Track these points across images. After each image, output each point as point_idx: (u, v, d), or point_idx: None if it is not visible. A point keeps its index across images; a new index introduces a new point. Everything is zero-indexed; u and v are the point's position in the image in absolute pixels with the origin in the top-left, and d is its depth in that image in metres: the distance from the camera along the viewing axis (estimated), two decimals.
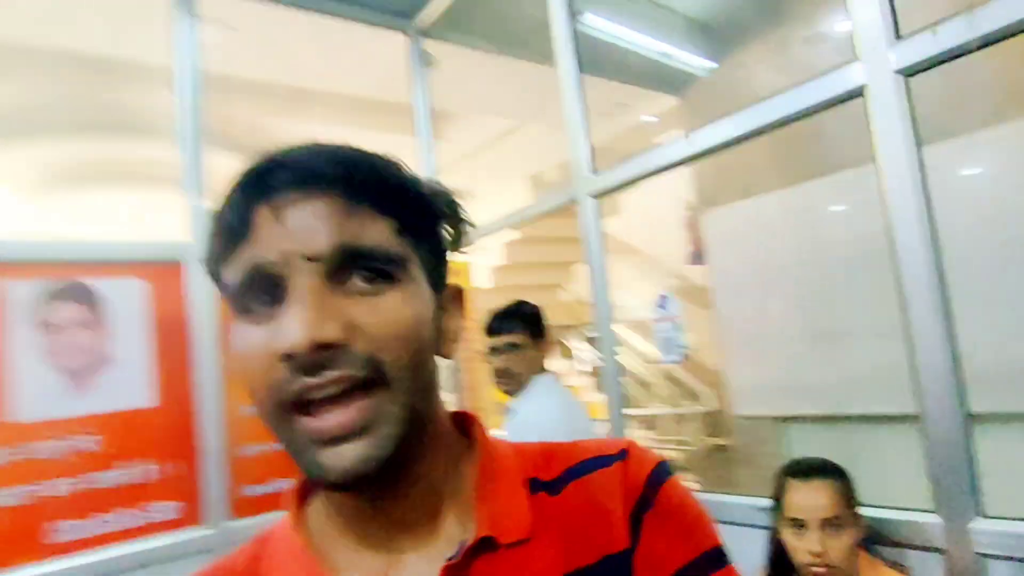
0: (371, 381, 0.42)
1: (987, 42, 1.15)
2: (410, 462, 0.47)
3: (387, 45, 2.75)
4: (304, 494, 0.53)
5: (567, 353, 6.58)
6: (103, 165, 4.48)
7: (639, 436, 5.17)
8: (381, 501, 0.48)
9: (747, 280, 2.89)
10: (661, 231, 5.33)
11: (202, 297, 2.07)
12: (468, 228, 0.52)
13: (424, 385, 0.46)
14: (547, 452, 0.54)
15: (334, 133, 0.44)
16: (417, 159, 2.82)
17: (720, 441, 4.80)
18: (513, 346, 1.99)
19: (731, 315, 3.20)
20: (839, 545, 1.23)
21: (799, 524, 1.27)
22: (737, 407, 3.26)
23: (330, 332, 0.41)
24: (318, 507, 0.51)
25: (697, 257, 3.92)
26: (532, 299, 2.22)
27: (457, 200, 0.51)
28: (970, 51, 1.16)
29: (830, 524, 1.24)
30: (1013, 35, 1.13)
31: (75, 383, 1.86)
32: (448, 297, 0.51)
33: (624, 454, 0.52)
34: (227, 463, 2.09)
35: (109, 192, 4.80)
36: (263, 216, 0.42)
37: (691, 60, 3.53)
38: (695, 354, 5.13)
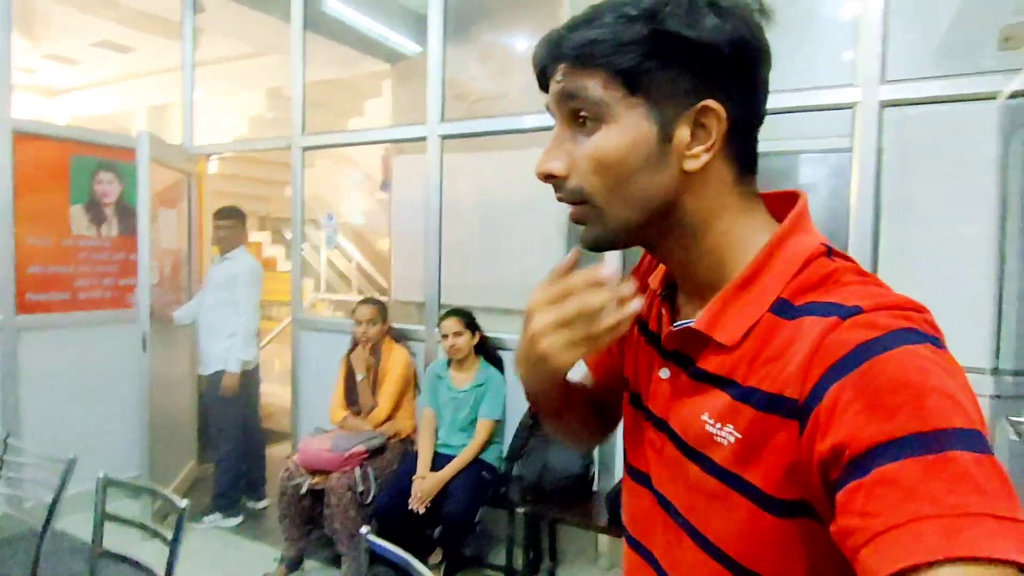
0: (582, 201, 0.59)
1: (949, 101, 2.00)
2: (646, 242, 0.63)
3: None
4: None
5: (280, 240, 7.66)
6: None
7: (331, 317, 6.61)
8: (659, 259, 0.68)
9: (416, 209, 4.40)
10: (373, 152, 6.70)
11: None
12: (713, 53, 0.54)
13: (629, 197, 0.57)
14: (827, 280, 0.54)
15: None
16: (184, 72, 3.76)
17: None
18: (230, 227, 3.26)
19: (401, 230, 4.77)
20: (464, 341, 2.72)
21: (444, 336, 2.72)
22: (397, 294, 4.88)
23: (552, 167, 0.59)
24: None
25: (386, 186, 5.42)
26: (261, 192, 3.54)
27: (687, 36, 0.53)
28: (933, 103, 2.02)
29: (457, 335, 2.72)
30: (968, 100, 1.99)
31: None
32: (688, 119, 0.55)
33: (852, 312, 0.48)
34: (15, 278, 3.01)
35: None
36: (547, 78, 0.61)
37: (402, 41, 4.87)
38: (385, 255, 6.74)
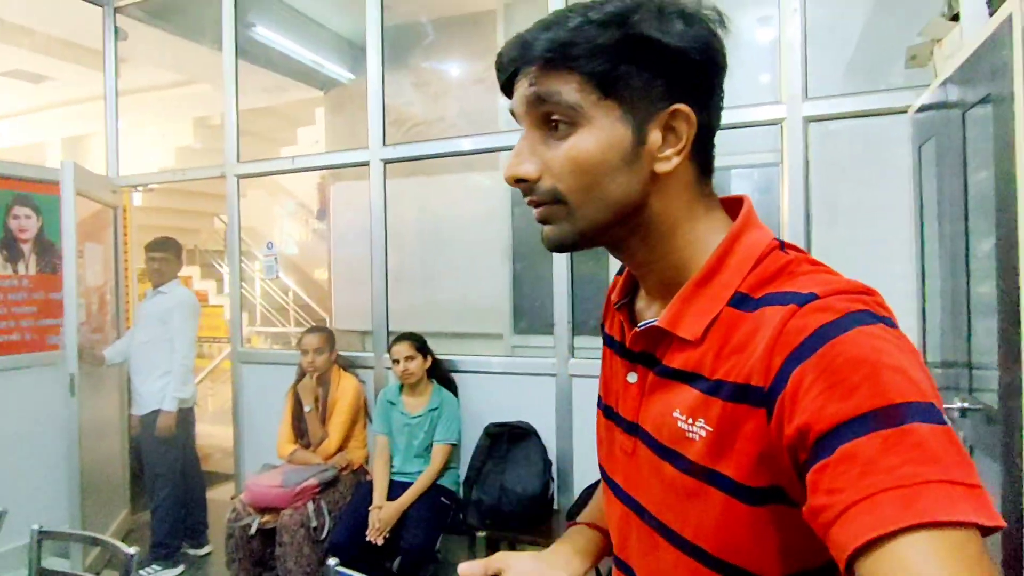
0: (555, 201, 0.59)
1: (865, 115, 2.20)
2: (611, 242, 0.63)
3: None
4: None
5: (210, 274, 7.38)
6: None
7: (273, 350, 6.40)
8: (621, 260, 0.67)
9: (356, 235, 4.33)
10: (309, 181, 6.59)
11: None
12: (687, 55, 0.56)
13: (602, 198, 0.58)
14: (782, 272, 0.56)
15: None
16: (107, 102, 3.61)
17: None
18: (164, 260, 3.12)
19: (341, 258, 4.69)
20: (416, 365, 2.65)
21: (396, 361, 2.65)
22: (339, 323, 4.77)
23: (523, 171, 0.59)
24: None
25: (322, 214, 5.34)
26: (189, 224, 3.39)
27: (661, 41, 0.55)
28: (851, 117, 2.23)
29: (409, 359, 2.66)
30: (882, 114, 2.20)
31: None
32: (660, 122, 0.57)
33: (808, 299, 0.50)
34: None
35: None
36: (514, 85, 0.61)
37: (335, 69, 4.84)
38: (323, 285, 6.60)
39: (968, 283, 1.65)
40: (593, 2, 0.58)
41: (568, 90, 0.56)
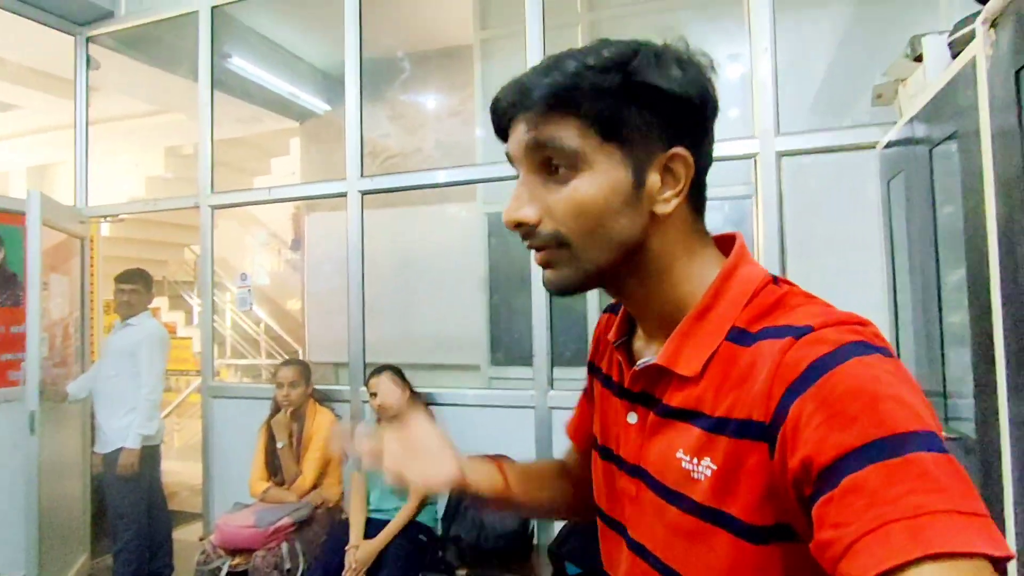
0: (558, 244, 0.59)
1: (835, 151, 2.28)
2: (612, 283, 0.63)
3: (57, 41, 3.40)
4: None
5: (179, 305, 7.22)
6: None
7: (244, 383, 6.25)
8: (619, 300, 0.68)
9: (331, 266, 4.31)
10: (282, 211, 6.53)
11: None
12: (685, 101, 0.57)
13: (605, 240, 0.58)
14: (777, 306, 0.56)
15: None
16: (77, 131, 3.55)
17: None
18: (134, 292, 3.04)
19: (316, 289, 4.64)
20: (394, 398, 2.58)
21: (373, 394, 2.58)
22: (312, 355, 4.69)
23: (523, 215, 0.59)
24: None
25: (296, 244, 5.28)
26: (159, 253, 3.32)
27: (662, 88, 0.56)
28: (821, 152, 2.32)
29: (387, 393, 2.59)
30: (851, 150, 2.26)
31: None
32: (659, 165, 0.58)
33: (804, 331, 0.51)
34: None
35: None
36: (509, 129, 0.62)
37: (312, 100, 4.85)
38: (296, 316, 6.49)
39: (940, 314, 1.69)
40: (588, 47, 0.58)
41: (569, 135, 0.57)
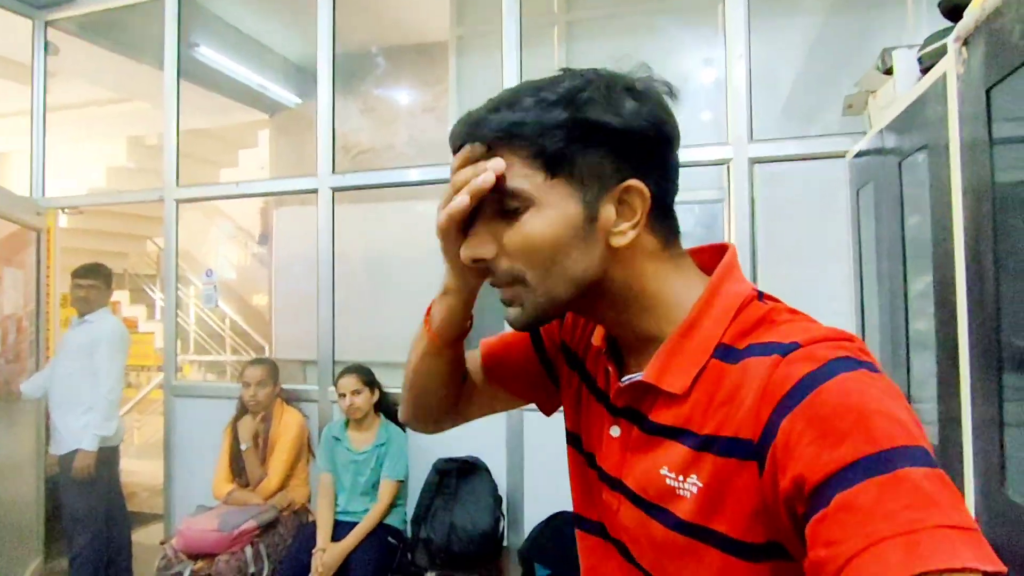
0: (515, 280, 0.59)
1: (806, 159, 2.35)
2: (578, 311, 0.65)
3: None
4: None
5: (141, 299, 7.04)
6: None
7: (209, 382, 6.11)
8: (594, 322, 0.70)
9: (300, 262, 4.20)
10: (249, 205, 6.39)
11: None
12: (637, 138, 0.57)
13: (561, 275, 0.58)
14: (763, 322, 0.56)
15: None
16: (34, 118, 3.41)
17: None
18: (92, 287, 2.94)
19: (284, 285, 4.55)
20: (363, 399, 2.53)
21: (342, 395, 2.53)
22: (279, 352, 4.60)
23: (480, 252, 0.60)
24: None
25: (264, 239, 5.18)
26: (118, 247, 3.21)
27: (609, 124, 0.55)
28: (793, 160, 2.36)
29: (356, 393, 2.54)
30: (822, 158, 2.32)
31: None
32: (612, 198, 0.57)
33: (791, 348, 0.51)
34: None
35: None
36: None
37: (282, 93, 4.75)
38: (263, 312, 6.37)
39: (907, 320, 1.73)
40: (548, 80, 0.58)
41: (514, 173, 0.56)
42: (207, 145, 6.52)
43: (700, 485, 0.54)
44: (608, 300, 0.61)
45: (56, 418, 2.89)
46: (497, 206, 0.58)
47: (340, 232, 2.93)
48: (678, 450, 0.57)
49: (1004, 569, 0.40)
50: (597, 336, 0.70)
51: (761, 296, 0.60)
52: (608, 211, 0.57)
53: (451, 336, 0.74)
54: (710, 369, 0.57)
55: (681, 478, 0.56)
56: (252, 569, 2.36)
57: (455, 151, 0.61)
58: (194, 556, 2.38)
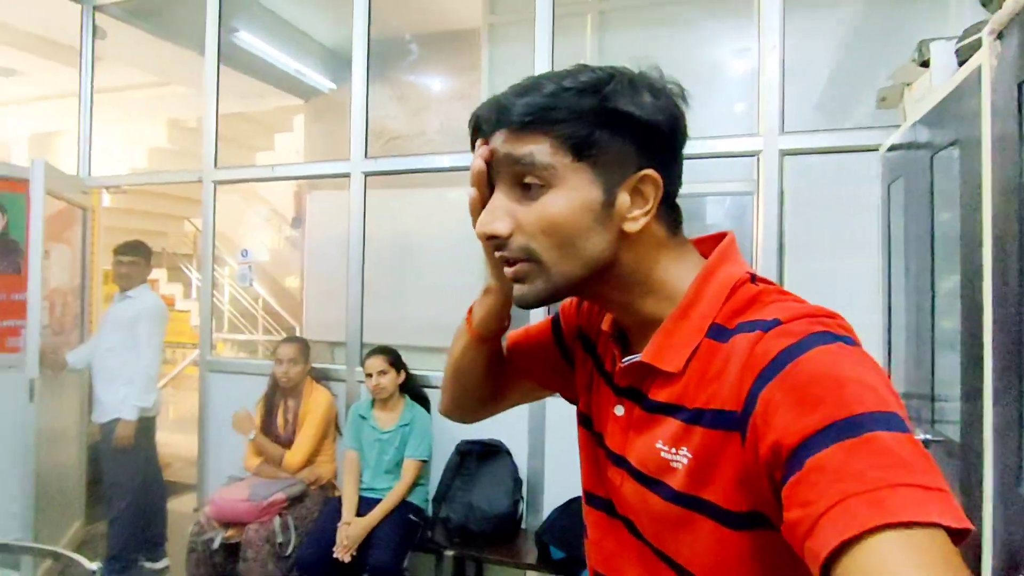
0: (528, 258, 0.61)
1: (837, 151, 2.34)
2: (586, 294, 0.67)
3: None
4: None
5: (178, 277, 7.24)
6: None
7: (241, 358, 6.27)
8: (598, 306, 0.75)
9: (331, 245, 4.29)
10: (284, 188, 6.52)
11: None
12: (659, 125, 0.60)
13: (575, 256, 0.60)
14: (752, 303, 0.59)
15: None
16: (81, 100, 3.53)
17: None
18: (133, 264, 3.06)
19: (315, 267, 4.64)
20: (389, 380, 2.60)
21: (369, 375, 2.61)
22: (309, 333, 4.70)
23: (495, 228, 0.62)
24: None
25: (297, 222, 5.29)
26: (157, 227, 3.31)
27: (634, 114, 0.59)
28: (825, 152, 2.36)
29: (382, 374, 2.61)
30: (854, 151, 2.31)
31: None
32: (629, 186, 0.60)
33: (772, 325, 0.54)
34: None
35: None
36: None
37: (317, 78, 4.83)
38: (294, 294, 6.51)
39: (932, 318, 1.71)
40: (566, 71, 0.61)
41: (542, 151, 0.59)
42: (244, 129, 6.66)
43: (690, 456, 0.58)
44: (615, 283, 0.64)
45: (98, 389, 3.03)
46: (516, 182, 0.61)
47: (371, 217, 2.99)
48: (672, 425, 0.60)
49: (971, 527, 0.42)
50: (606, 321, 0.74)
51: (754, 279, 0.63)
52: (624, 198, 0.60)
53: (489, 333, 0.79)
54: (703, 348, 0.60)
55: (674, 451, 0.59)
56: (280, 539, 2.45)
57: (476, 137, 0.65)
58: (225, 524, 2.49)
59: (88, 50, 3.58)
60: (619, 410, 0.68)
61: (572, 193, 0.59)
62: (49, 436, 3.01)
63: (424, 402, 2.75)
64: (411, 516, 2.55)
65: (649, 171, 0.60)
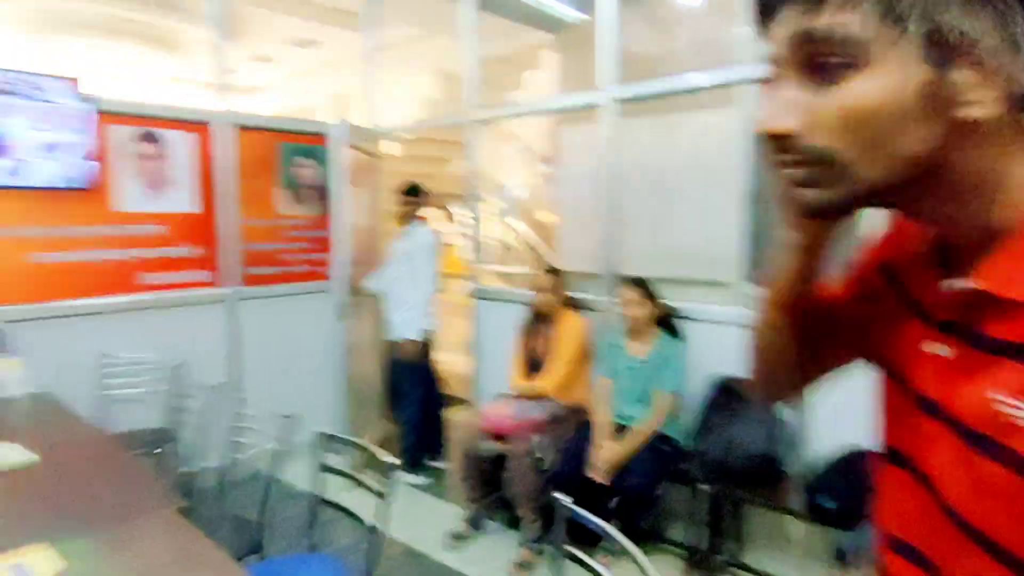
0: (823, 160, 0.48)
1: None
2: (896, 204, 0.53)
3: None
4: None
5: (449, 216, 8.01)
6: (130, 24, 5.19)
7: (504, 287, 6.81)
8: (910, 218, 0.56)
9: (584, 179, 4.35)
10: (536, 125, 6.72)
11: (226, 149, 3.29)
12: None
13: (888, 156, 0.47)
14: None
15: None
16: (366, 56, 4.00)
17: None
18: (413, 203, 3.45)
19: (569, 201, 4.76)
20: (642, 310, 2.68)
21: (622, 304, 2.68)
22: (565, 265, 4.89)
23: (783, 124, 0.48)
24: None
25: (551, 158, 5.42)
26: (425, 170, 3.66)
27: None
28: None
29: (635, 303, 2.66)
30: None
31: (152, 191, 3.09)
32: (971, 59, 0.44)
33: None
34: (239, 251, 3.42)
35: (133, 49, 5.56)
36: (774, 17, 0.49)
37: (565, 10, 4.79)
38: (550, 227, 6.78)
39: None
40: None
41: (854, 21, 0.45)
42: (495, 70, 6.94)
43: None
44: (937, 193, 0.50)
45: (389, 311, 3.55)
46: (811, 66, 0.48)
47: (624, 147, 2.93)
48: (1017, 371, 0.46)
49: None
50: (919, 239, 0.59)
51: None
52: (963, 75, 0.45)
53: (784, 301, 0.66)
54: None
55: (1019, 404, 0.45)
56: (539, 455, 2.64)
57: (765, 10, 0.51)
58: (494, 436, 2.76)
59: (370, 11, 4.01)
60: (938, 348, 0.54)
61: (889, 74, 0.45)
62: (356, 348, 3.61)
63: (678, 334, 2.68)
64: (665, 447, 2.55)
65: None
